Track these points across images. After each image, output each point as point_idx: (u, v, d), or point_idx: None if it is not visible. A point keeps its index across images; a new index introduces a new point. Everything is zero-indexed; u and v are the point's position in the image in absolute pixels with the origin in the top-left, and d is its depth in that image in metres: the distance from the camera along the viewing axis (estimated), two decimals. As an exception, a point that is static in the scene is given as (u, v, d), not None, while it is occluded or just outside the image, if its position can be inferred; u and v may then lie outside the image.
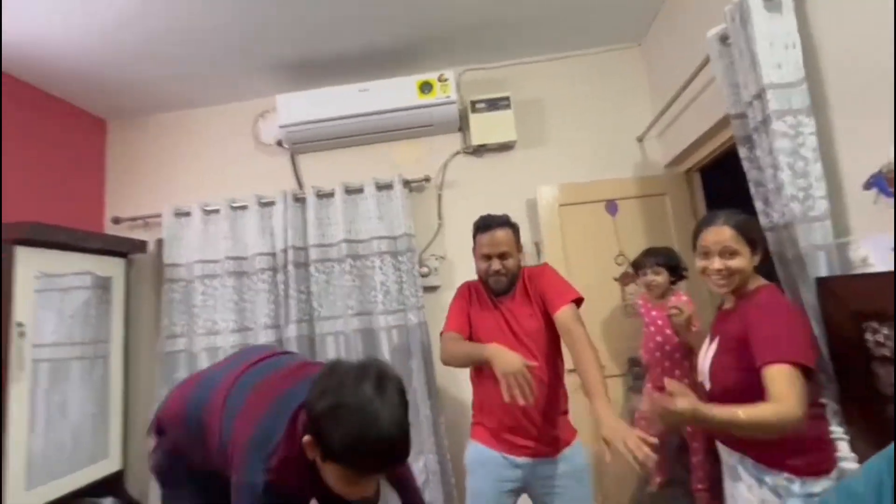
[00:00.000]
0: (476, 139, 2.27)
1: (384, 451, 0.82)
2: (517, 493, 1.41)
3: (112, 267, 2.18)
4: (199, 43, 1.98)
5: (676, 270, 1.75)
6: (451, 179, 2.34)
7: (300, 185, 2.37)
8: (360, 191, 2.26)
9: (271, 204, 2.28)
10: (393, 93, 2.20)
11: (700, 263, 1.15)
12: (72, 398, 1.94)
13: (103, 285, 2.13)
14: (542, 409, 1.37)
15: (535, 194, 2.20)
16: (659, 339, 1.70)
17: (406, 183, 2.24)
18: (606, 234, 2.15)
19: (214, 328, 2.19)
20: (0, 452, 1.64)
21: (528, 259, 2.21)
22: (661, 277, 1.74)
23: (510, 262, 1.42)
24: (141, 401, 2.22)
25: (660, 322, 1.71)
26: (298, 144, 2.34)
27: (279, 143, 2.37)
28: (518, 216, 2.24)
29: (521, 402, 1.14)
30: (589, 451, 1.46)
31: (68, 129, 2.31)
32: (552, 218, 2.20)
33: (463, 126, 2.33)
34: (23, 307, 1.76)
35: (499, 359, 1.20)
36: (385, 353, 2.11)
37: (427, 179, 2.29)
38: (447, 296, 1.67)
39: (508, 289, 1.45)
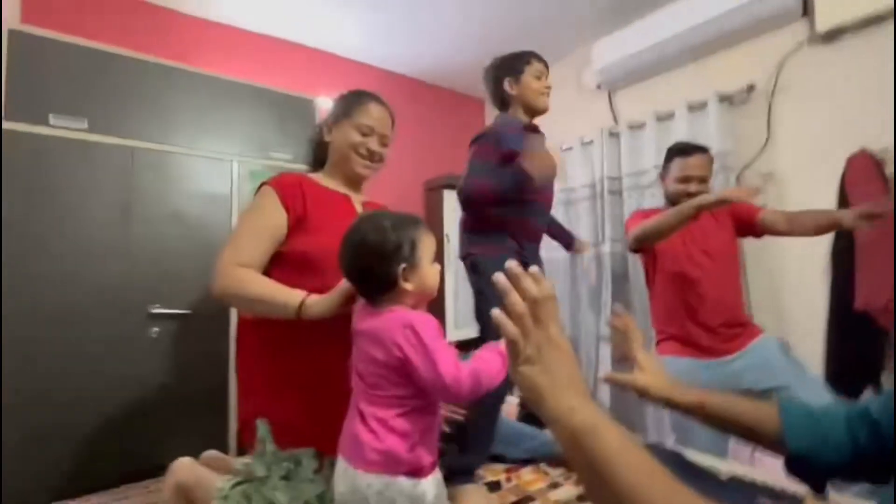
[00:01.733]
0: (825, 21, 1.83)
1: None
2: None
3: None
4: (530, 17, 2.54)
5: None
6: (787, 82, 1.99)
7: (616, 120, 2.64)
8: (671, 116, 2.31)
9: (591, 142, 2.68)
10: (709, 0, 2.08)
11: None
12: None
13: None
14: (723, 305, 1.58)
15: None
16: None
17: (723, 98, 2.11)
18: None
19: (551, 245, 2.87)
20: (444, 304, 2.93)
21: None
22: None
23: (705, 187, 1.57)
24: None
25: None
26: (614, 83, 2.60)
27: (598, 87, 2.69)
28: (887, 113, 1.71)
29: None
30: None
31: (463, 112, 3.47)
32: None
33: (808, 8, 1.91)
34: (447, 225, 2.99)
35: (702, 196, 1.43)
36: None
37: (751, 88, 2.06)
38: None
39: None
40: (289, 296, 0.92)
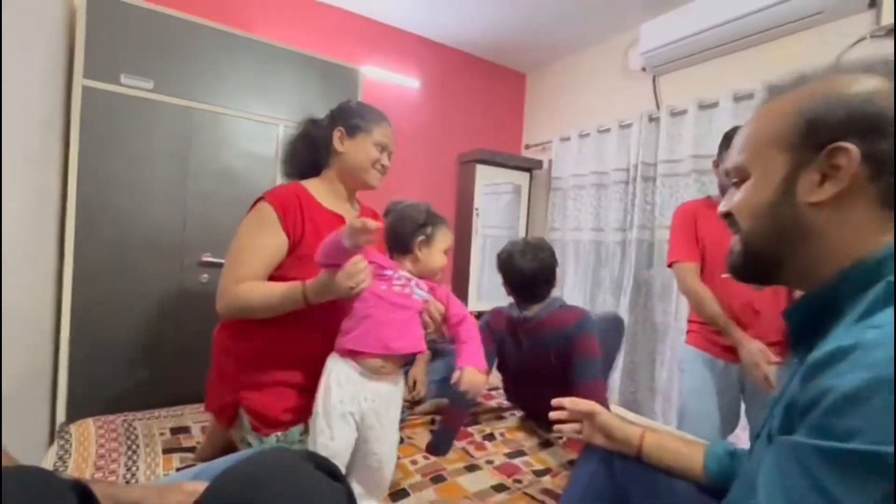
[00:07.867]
0: (892, 15, 1.73)
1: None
2: None
3: (522, 178, 3.25)
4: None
5: None
6: (843, 76, 1.90)
7: (657, 105, 2.58)
8: (715, 105, 2.25)
9: (629, 126, 2.64)
10: (768, -15, 1.99)
11: None
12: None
13: (517, 191, 3.24)
14: None
15: None
16: None
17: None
18: None
19: (579, 226, 2.91)
20: (468, 277, 3.04)
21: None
22: None
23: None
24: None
25: None
26: (660, 67, 2.53)
27: (643, 69, 2.62)
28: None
29: None
30: None
31: (504, 86, 3.46)
32: None
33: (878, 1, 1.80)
34: (478, 199, 3.05)
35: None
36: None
37: (803, 80, 1.97)
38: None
39: None
40: (291, 288, 1.01)
